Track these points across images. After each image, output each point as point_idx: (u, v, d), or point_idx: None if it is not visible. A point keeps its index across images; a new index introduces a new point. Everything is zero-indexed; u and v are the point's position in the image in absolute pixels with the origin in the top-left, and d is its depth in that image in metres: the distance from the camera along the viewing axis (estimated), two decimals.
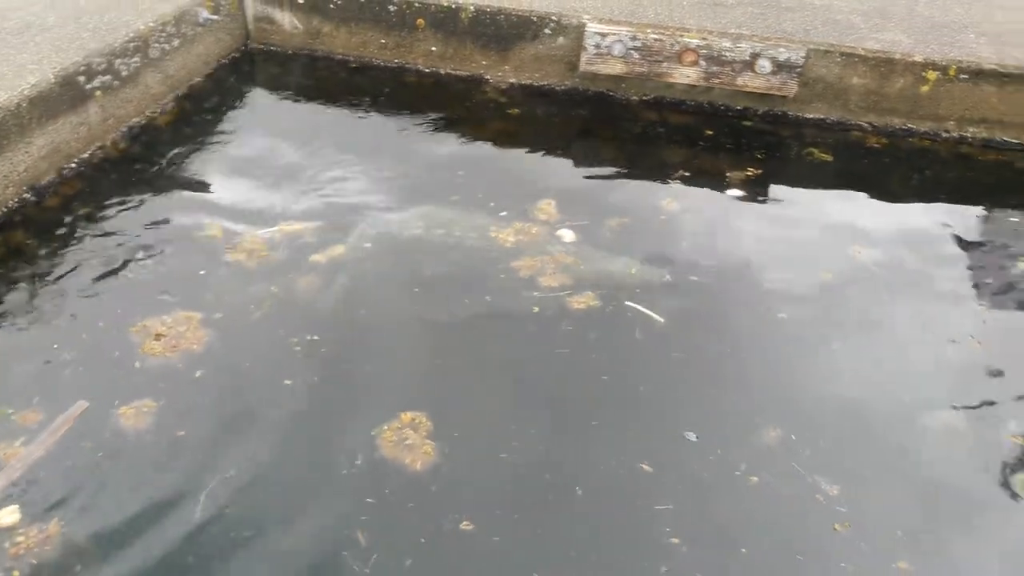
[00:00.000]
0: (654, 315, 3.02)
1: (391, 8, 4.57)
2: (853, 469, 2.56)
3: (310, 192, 3.62)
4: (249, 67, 4.71)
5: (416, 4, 4.54)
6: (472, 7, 4.48)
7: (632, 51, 4.34)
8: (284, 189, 3.64)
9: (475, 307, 3.06)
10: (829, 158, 4.14)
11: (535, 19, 4.47)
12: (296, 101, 4.43)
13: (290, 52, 4.79)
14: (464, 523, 2.31)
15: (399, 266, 3.25)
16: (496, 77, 4.64)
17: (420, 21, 4.59)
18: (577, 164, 4.03)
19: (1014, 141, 4.23)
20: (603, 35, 4.33)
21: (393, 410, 2.58)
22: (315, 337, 2.85)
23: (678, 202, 3.71)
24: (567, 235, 3.41)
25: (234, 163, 3.83)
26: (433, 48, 4.65)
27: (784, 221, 3.69)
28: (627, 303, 3.06)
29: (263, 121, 4.20)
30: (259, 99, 4.44)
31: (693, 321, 3.07)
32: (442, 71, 4.69)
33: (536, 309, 3.05)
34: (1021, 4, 4.82)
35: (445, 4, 4.51)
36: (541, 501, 2.40)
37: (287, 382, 2.68)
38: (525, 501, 2.39)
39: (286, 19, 4.74)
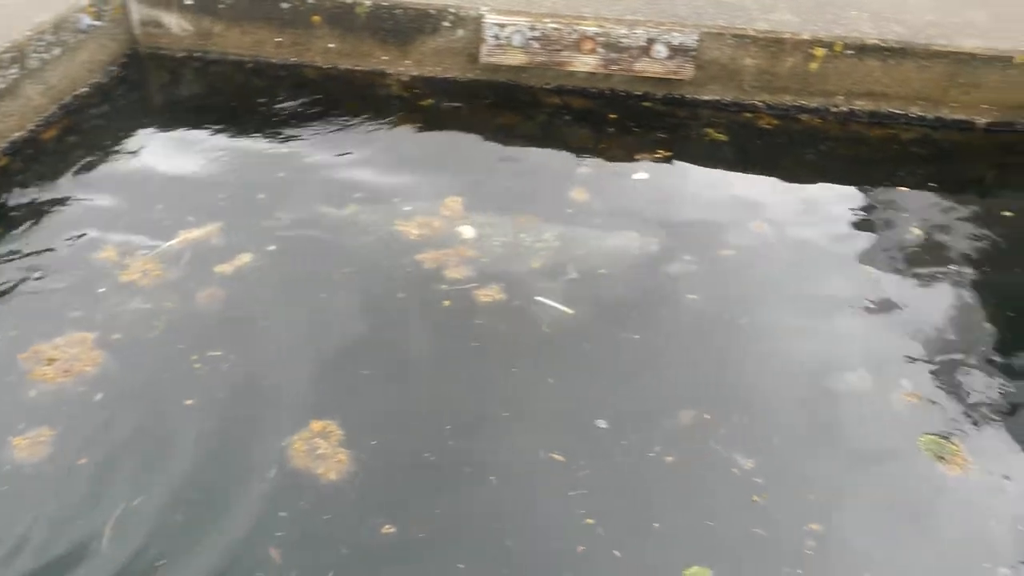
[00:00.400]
0: (563, 307, 3.06)
1: (284, 5, 4.47)
2: (767, 441, 2.65)
3: (208, 201, 3.52)
4: (138, 74, 4.53)
5: (310, 0, 4.44)
6: (369, 2, 4.42)
7: (532, 41, 4.36)
8: (181, 200, 3.52)
9: (383, 305, 3.04)
10: (725, 138, 4.25)
11: (433, 12, 4.44)
12: (189, 107, 4.29)
13: (181, 55, 4.63)
14: (385, 527, 2.30)
15: (304, 268, 3.19)
16: (398, 71, 4.59)
17: (316, 17, 4.50)
18: (483, 156, 4.03)
19: (898, 112, 4.42)
20: (502, 26, 4.33)
21: (302, 420, 2.55)
22: (217, 352, 2.78)
23: (586, 190, 3.75)
24: (468, 230, 3.41)
25: (125, 175, 3.69)
26: (331, 45, 4.56)
27: (687, 202, 3.77)
28: (536, 298, 3.08)
29: (155, 130, 4.05)
30: (150, 107, 4.28)
31: (603, 310, 3.11)
32: (342, 67, 4.61)
33: (447, 303, 3.05)
34: None
35: None
36: (459, 496, 2.41)
37: (188, 401, 2.60)
38: (443, 498, 2.40)
39: (174, 21, 4.57)
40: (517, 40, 4.34)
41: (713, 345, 3.01)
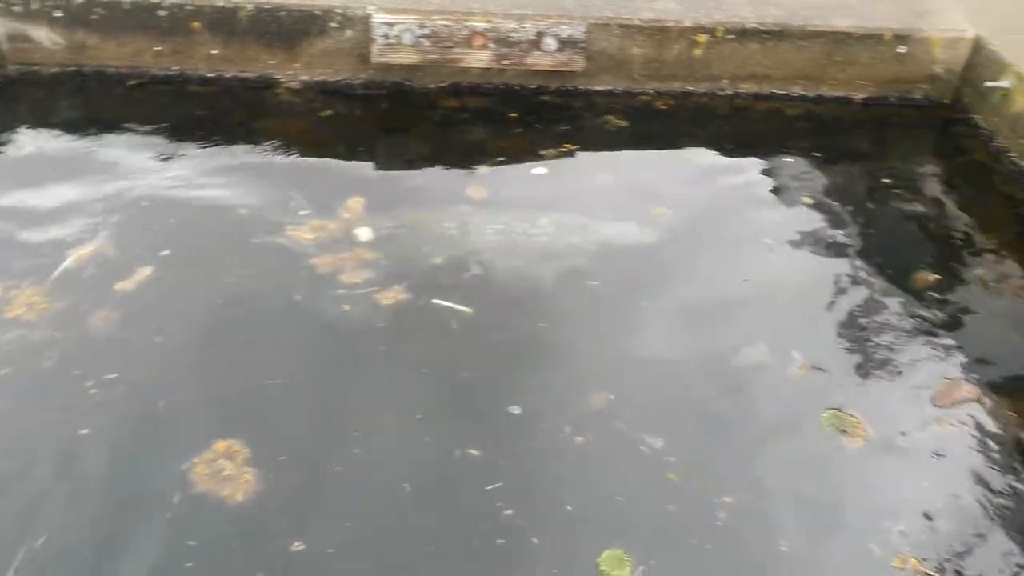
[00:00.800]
0: (460, 307, 3.05)
1: (161, 13, 4.30)
2: (676, 420, 2.73)
3: (93, 223, 3.35)
4: (7, 93, 4.29)
5: (188, 6, 4.29)
6: (251, 5, 4.30)
7: (422, 39, 4.33)
8: (63, 224, 3.35)
9: (283, 313, 2.97)
10: (625, 123, 4.33)
11: (319, 12, 4.35)
12: (65, 127, 4.07)
13: (55, 71, 4.39)
14: (295, 544, 2.26)
15: (198, 280, 3.09)
16: (287, 76, 4.49)
17: (195, 24, 4.34)
18: (380, 158, 3.99)
19: (781, 92, 4.59)
20: (390, 24, 4.28)
21: (205, 441, 2.47)
22: (112, 375, 2.67)
23: (485, 188, 3.75)
24: (365, 232, 3.36)
25: None
26: (214, 51, 4.42)
27: (590, 191, 3.82)
28: (433, 301, 3.06)
29: (29, 154, 3.83)
30: (21, 129, 4.03)
31: (509, 303, 3.13)
32: (228, 75, 4.47)
33: (347, 307, 3.00)
34: None
35: (220, 3, 4.29)
36: (373, 505, 2.39)
37: (84, 431, 2.49)
38: (356, 509, 2.37)
39: (44, 35, 4.34)
40: (407, 38, 4.31)
41: (617, 329, 3.07)
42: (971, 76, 4.44)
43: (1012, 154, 4.10)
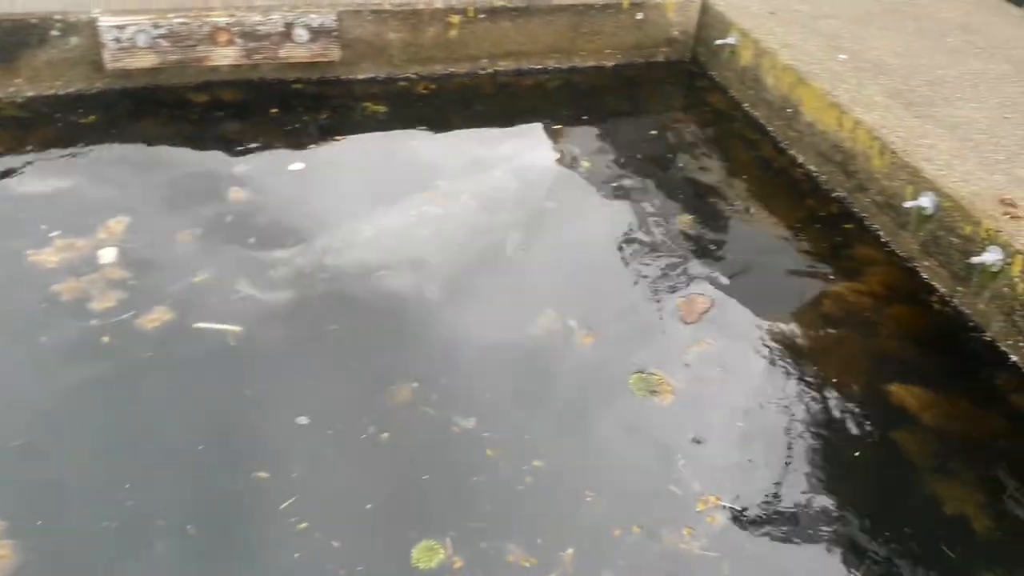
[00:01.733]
0: (227, 327, 2.86)
1: None
2: (485, 399, 2.72)
3: None
4: None
5: None
6: None
7: (159, 39, 4.03)
8: None
9: (28, 354, 2.67)
10: (384, 108, 4.28)
11: (35, 21, 3.92)
12: None
13: None
14: None
15: None
16: (8, 93, 4.02)
17: None
18: (130, 167, 3.67)
19: (538, 67, 4.75)
20: (121, 27, 3.95)
21: None
22: None
23: (245, 189, 3.56)
24: (109, 253, 3.09)
25: None
26: None
27: (348, 185, 3.71)
28: (195, 325, 2.85)
29: None
30: None
31: (285, 311, 2.98)
32: None
33: (106, 339, 2.74)
34: None
35: None
36: (155, 550, 2.19)
37: None
38: (137, 558, 2.17)
39: None
40: (142, 40, 4.00)
41: (407, 320, 3.03)
42: (703, 36, 4.82)
43: (745, 104, 4.50)
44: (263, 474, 2.40)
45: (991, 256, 3.03)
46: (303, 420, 2.58)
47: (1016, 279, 2.97)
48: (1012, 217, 3.09)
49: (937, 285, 3.33)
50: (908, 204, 3.37)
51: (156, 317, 2.84)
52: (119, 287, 2.94)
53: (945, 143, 3.49)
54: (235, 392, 2.65)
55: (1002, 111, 3.76)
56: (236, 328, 2.85)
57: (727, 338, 3.05)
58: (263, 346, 2.83)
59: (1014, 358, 3.01)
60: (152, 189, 3.52)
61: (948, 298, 3.27)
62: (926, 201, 3.29)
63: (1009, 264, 2.99)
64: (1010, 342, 3.03)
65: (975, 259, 3.08)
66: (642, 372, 2.88)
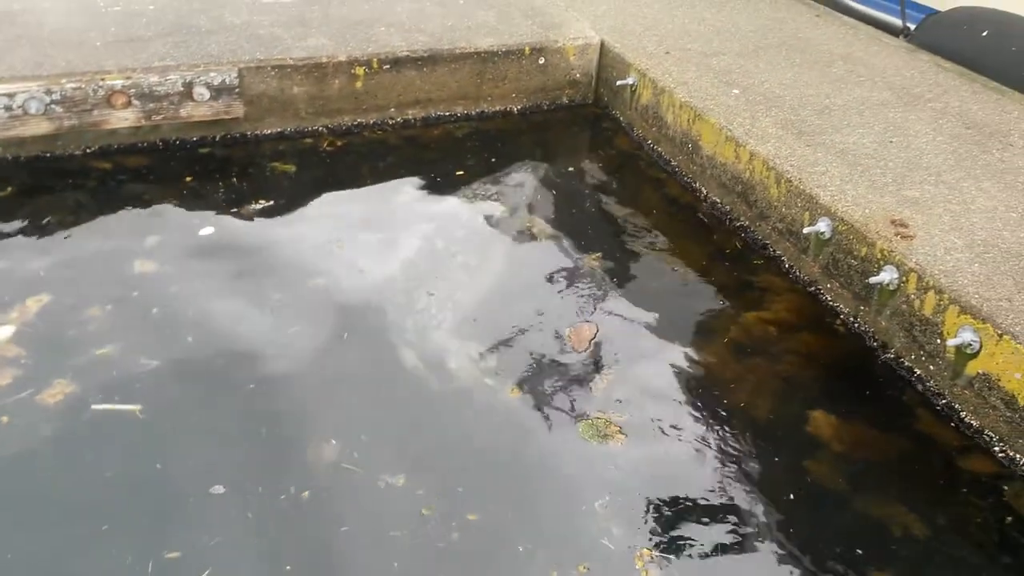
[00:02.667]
0: (125, 407, 2.74)
1: None
2: (411, 454, 2.68)
3: None
4: None
5: None
6: None
7: (53, 105, 3.91)
8: None
9: None
10: (293, 168, 4.24)
11: None
12: None
13: None
14: None
15: None
16: None
17: None
18: (22, 243, 3.52)
19: (446, 114, 4.79)
20: (11, 95, 3.82)
21: None
22: None
23: (153, 260, 3.45)
24: (3, 332, 2.95)
25: None
26: None
27: (262, 251, 3.62)
28: (93, 407, 2.73)
29: None
30: None
31: (205, 377, 2.89)
32: None
33: (5, 419, 2.61)
34: None
35: None
36: None
37: None
38: None
39: None
40: (34, 107, 3.87)
41: (325, 377, 2.97)
42: (605, 77, 4.96)
43: (649, 141, 4.64)
44: (173, 554, 2.30)
45: (887, 275, 3.18)
46: (219, 489, 2.49)
47: (912, 296, 3.11)
48: (903, 237, 3.25)
49: (841, 306, 3.47)
50: (807, 230, 3.52)
51: (57, 392, 2.72)
52: (14, 364, 2.81)
53: (836, 169, 3.66)
54: (141, 467, 2.55)
55: (887, 135, 3.97)
56: (134, 407, 2.74)
57: (633, 371, 3.10)
58: (170, 418, 2.73)
59: (918, 371, 3.15)
60: (55, 268, 3.39)
61: (852, 318, 3.41)
62: (823, 226, 3.44)
63: (904, 282, 3.13)
64: (912, 357, 3.17)
65: (873, 279, 3.22)
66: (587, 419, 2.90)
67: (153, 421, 2.71)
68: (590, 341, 3.22)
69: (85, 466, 2.53)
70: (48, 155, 4.09)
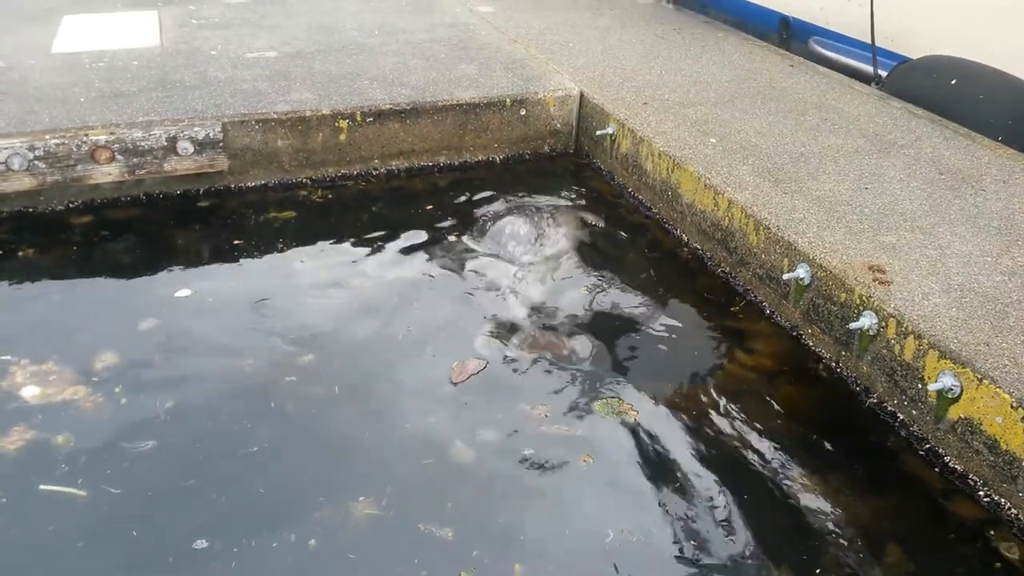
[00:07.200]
0: (73, 490, 2.65)
1: None
2: (443, 507, 2.66)
3: None
4: None
5: None
6: None
7: (37, 161, 3.93)
8: None
9: None
10: (277, 219, 4.25)
11: None
12: None
13: None
14: None
15: None
16: None
17: None
18: (14, 297, 3.51)
19: (430, 164, 4.85)
20: None
21: None
22: None
23: (155, 318, 3.43)
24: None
25: None
26: None
27: (251, 307, 3.63)
28: (41, 487, 2.66)
29: None
30: None
31: (185, 438, 2.88)
32: None
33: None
34: (366, 47, 5.53)
35: None
36: None
37: None
38: None
39: None
40: (17, 163, 3.89)
41: (330, 433, 2.96)
42: (585, 127, 5.05)
43: (629, 188, 4.70)
44: None
45: (867, 320, 3.22)
46: (202, 544, 2.46)
47: (892, 341, 3.14)
48: (880, 282, 3.29)
49: (822, 352, 3.49)
50: (786, 276, 3.56)
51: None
52: None
53: (813, 216, 3.72)
54: (120, 524, 2.51)
55: (861, 182, 4.05)
56: (82, 492, 2.66)
57: (614, 421, 3.10)
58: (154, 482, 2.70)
59: (901, 416, 3.16)
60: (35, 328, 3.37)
61: (834, 363, 3.44)
62: (802, 272, 3.49)
63: (884, 327, 3.17)
64: (895, 401, 3.19)
65: (853, 324, 3.25)
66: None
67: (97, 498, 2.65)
68: (471, 374, 3.23)
69: (56, 532, 2.49)
70: (31, 210, 4.09)
